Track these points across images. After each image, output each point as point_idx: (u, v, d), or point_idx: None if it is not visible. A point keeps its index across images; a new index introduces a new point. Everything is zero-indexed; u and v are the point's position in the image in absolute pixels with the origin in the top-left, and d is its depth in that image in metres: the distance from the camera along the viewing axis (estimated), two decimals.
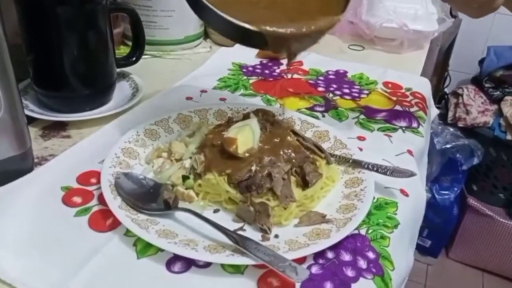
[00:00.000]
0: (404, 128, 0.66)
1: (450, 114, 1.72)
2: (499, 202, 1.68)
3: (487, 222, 1.67)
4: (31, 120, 0.61)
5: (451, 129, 1.67)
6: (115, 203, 0.44)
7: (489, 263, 1.72)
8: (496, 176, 1.66)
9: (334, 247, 0.43)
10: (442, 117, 1.72)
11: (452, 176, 1.68)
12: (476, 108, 1.65)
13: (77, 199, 0.48)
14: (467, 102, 1.67)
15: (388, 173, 0.51)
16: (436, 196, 1.65)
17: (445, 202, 1.67)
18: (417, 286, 1.67)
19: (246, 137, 0.50)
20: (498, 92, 1.64)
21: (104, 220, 0.45)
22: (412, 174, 0.51)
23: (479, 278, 1.73)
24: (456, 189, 1.67)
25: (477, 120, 1.64)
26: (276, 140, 0.51)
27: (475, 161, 1.63)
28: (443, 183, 1.68)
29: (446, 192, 1.67)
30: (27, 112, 0.60)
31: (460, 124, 1.67)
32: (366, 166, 0.52)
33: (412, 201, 0.53)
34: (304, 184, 0.49)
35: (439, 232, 1.71)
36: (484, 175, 1.68)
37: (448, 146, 1.64)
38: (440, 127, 1.66)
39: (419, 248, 1.70)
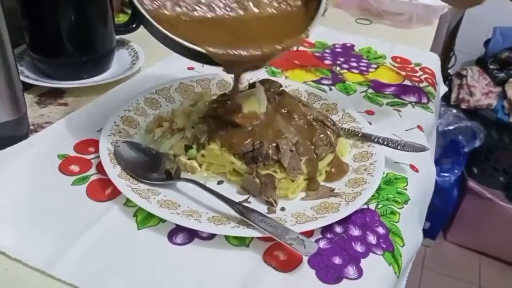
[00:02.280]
0: (413, 103, 0.64)
1: (453, 95, 1.69)
2: (499, 185, 1.67)
3: (487, 205, 1.66)
4: (27, 87, 0.59)
5: (454, 111, 1.65)
6: (114, 172, 0.43)
7: (487, 246, 1.72)
8: (497, 159, 1.65)
9: (343, 222, 0.41)
10: (445, 98, 1.70)
11: (453, 158, 1.66)
12: (480, 90, 1.62)
13: (74, 168, 0.46)
14: (471, 84, 1.64)
15: (399, 147, 0.49)
16: (436, 178, 1.63)
17: (445, 184, 1.65)
18: (415, 268, 1.67)
19: (252, 107, 0.47)
20: (502, 74, 1.61)
21: (103, 190, 0.43)
22: (424, 149, 0.49)
23: (476, 261, 1.73)
24: (456, 171, 1.66)
25: (481, 102, 1.61)
26: (283, 110, 0.49)
27: (477, 143, 1.61)
28: (443, 165, 1.66)
29: (447, 174, 1.66)
30: (22, 78, 0.57)
31: (463, 106, 1.65)
32: (376, 140, 0.50)
33: (422, 176, 0.51)
34: None
35: (438, 214, 1.70)
36: (485, 157, 1.67)
37: (450, 127, 1.62)
38: (442, 108, 1.64)
39: None
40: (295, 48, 0.77)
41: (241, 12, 0.45)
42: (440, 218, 1.72)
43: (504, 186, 1.66)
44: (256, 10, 0.45)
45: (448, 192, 1.66)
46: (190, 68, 0.67)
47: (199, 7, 0.43)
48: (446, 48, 1.54)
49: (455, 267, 1.70)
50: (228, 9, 0.44)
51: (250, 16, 0.45)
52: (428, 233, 1.75)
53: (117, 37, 0.67)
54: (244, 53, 0.41)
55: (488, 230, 1.69)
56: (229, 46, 0.41)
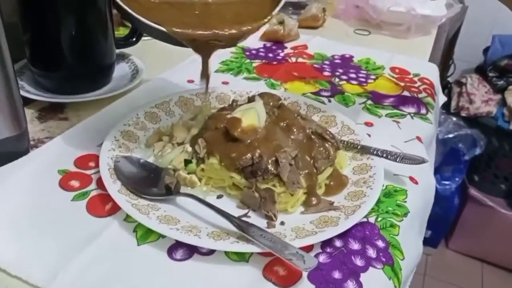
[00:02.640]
0: (412, 114, 0.64)
1: (453, 103, 1.70)
2: (500, 192, 1.67)
3: (488, 212, 1.65)
4: (27, 102, 0.59)
5: (454, 119, 1.65)
6: (114, 187, 0.43)
7: (489, 254, 1.71)
8: (497, 166, 1.65)
9: (343, 235, 0.41)
10: (445, 106, 1.70)
11: (454, 166, 1.66)
12: (480, 98, 1.63)
13: (74, 183, 0.46)
14: (471, 91, 1.65)
15: (398, 160, 0.49)
16: (437, 186, 1.64)
17: (446, 192, 1.65)
18: (417, 277, 1.67)
19: (251, 120, 0.48)
20: (502, 82, 1.61)
21: (103, 205, 0.44)
22: (423, 161, 0.50)
23: (478, 268, 1.72)
24: (457, 179, 1.66)
25: (480, 109, 1.62)
26: (282, 124, 0.49)
27: (478, 151, 1.61)
28: (444, 173, 1.66)
29: (448, 182, 1.66)
30: (23, 93, 0.58)
31: (463, 114, 1.65)
32: (375, 152, 0.50)
33: (421, 189, 0.51)
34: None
35: (439, 222, 1.69)
36: (486, 165, 1.67)
37: (450, 135, 1.63)
38: (442, 116, 1.64)
39: None
40: (294, 60, 0.78)
41: None
42: (441, 226, 1.72)
43: (505, 193, 1.66)
44: None
45: (449, 200, 1.66)
46: (190, 81, 0.68)
47: None
48: (445, 56, 1.54)
49: (457, 275, 1.70)
50: None
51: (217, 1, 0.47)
52: (430, 241, 1.75)
53: (117, 50, 0.67)
54: (206, 32, 0.43)
55: (490, 237, 1.68)
56: (193, 27, 0.43)
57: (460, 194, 1.69)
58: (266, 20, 0.46)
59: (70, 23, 0.59)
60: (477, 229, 1.70)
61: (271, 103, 0.53)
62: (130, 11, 0.41)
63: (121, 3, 0.41)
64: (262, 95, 0.54)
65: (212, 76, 0.69)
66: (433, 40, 0.93)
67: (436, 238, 1.75)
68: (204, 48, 0.45)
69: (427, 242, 1.71)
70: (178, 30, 0.42)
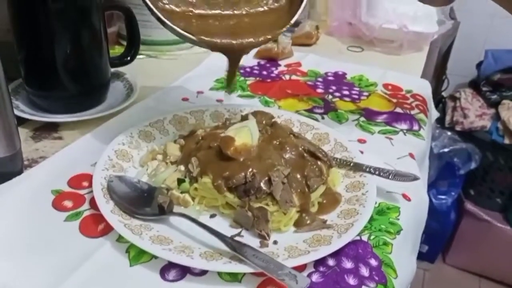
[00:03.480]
0: (405, 131, 0.64)
1: (448, 117, 1.71)
2: (496, 206, 1.67)
3: (485, 227, 1.65)
4: (22, 121, 0.59)
5: (449, 133, 1.66)
6: (107, 208, 0.43)
7: (487, 269, 1.71)
8: (493, 180, 1.65)
9: (335, 254, 0.41)
10: (440, 121, 1.71)
11: (450, 181, 1.67)
12: (474, 112, 1.64)
13: (68, 203, 0.46)
14: (465, 106, 1.66)
15: (390, 177, 0.50)
16: (433, 200, 1.64)
17: (442, 206, 1.65)
18: None
19: (244, 139, 0.48)
20: (495, 96, 1.63)
21: (95, 225, 0.43)
22: (415, 178, 0.50)
23: (476, 283, 1.72)
24: (453, 193, 1.66)
25: (475, 124, 1.63)
26: (275, 142, 0.49)
27: (473, 165, 1.62)
28: (440, 187, 1.66)
29: (444, 196, 1.66)
30: (18, 113, 0.58)
31: (458, 128, 1.66)
32: (367, 169, 0.51)
33: (414, 206, 0.51)
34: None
35: (436, 237, 1.69)
36: (481, 179, 1.67)
37: (445, 150, 1.63)
38: (437, 131, 1.65)
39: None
40: (287, 77, 0.79)
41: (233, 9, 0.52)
42: (438, 241, 1.71)
43: (501, 207, 1.66)
44: (246, 7, 0.53)
45: (446, 214, 1.66)
46: (184, 99, 0.68)
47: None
48: (438, 71, 1.56)
49: None
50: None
51: (240, 11, 0.53)
52: (427, 257, 1.74)
53: (112, 69, 0.68)
54: (230, 41, 0.48)
55: (487, 252, 1.68)
56: (220, 36, 0.48)
57: (457, 208, 1.69)
58: (285, 28, 0.50)
59: (65, 42, 0.59)
60: (474, 243, 1.69)
61: (264, 122, 0.53)
62: (167, 21, 0.46)
63: (157, 13, 0.45)
64: (255, 113, 0.55)
65: (206, 94, 0.71)
66: (426, 56, 0.94)
67: (433, 253, 1.75)
68: (231, 55, 0.50)
69: (424, 257, 1.72)
70: (206, 38, 0.47)
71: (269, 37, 0.49)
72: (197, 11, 0.51)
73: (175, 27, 0.46)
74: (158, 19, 0.46)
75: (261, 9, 0.53)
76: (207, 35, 0.47)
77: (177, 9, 0.50)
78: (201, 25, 0.50)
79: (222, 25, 0.51)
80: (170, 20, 0.46)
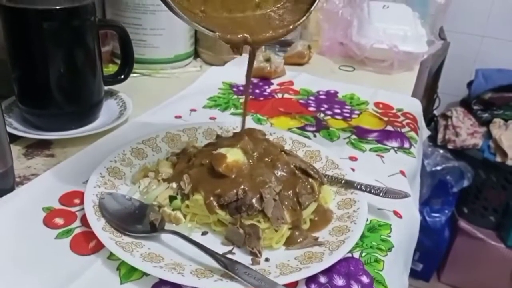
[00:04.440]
0: (396, 149, 0.65)
1: (440, 136, 1.73)
2: (490, 224, 1.67)
3: (478, 245, 1.66)
4: (14, 138, 0.59)
5: (441, 151, 1.67)
6: (98, 225, 0.43)
7: (481, 287, 1.70)
8: (486, 198, 1.66)
9: (327, 271, 0.41)
10: (432, 139, 1.73)
11: (443, 199, 1.67)
12: (465, 130, 1.66)
13: (59, 221, 0.46)
14: (456, 124, 1.68)
15: (381, 194, 0.50)
16: (427, 218, 1.64)
17: (436, 224, 1.66)
18: None
19: (236, 156, 0.48)
20: (487, 114, 1.65)
21: (86, 243, 0.43)
22: (405, 195, 0.50)
23: None
24: (447, 211, 1.66)
25: (467, 142, 1.64)
26: (267, 159, 0.50)
27: (465, 183, 1.63)
28: (433, 205, 1.67)
29: (437, 214, 1.66)
30: (11, 130, 0.58)
31: (450, 146, 1.68)
32: (358, 187, 0.51)
33: (406, 223, 0.52)
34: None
35: (430, 256, 1.69)
36: (475, 197, 1.68)
37: (438, 168, 1.64)
38: (430, 149, 1.67)
39: (411, 272, 1.67)
40: (280, 96, 0.80)
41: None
42: (433, 259, 1.71)
43: (494, 225, 1.66)
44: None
45: (440, 232, 1.66)
46: (177, 117, 0.69)
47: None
48: (429, 90, 1.58)
49: None
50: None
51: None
52: (422, 275, 1.74)
53: (106, 87, 0.69)
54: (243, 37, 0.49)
55: (481, 270, 1.68)
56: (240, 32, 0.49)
57: (450, 226, 1.70)
58: (299, 23, 0.51)
59: (59, 61, 0.60)
60: (468, 261, 1.69)
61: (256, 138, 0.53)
62: (187, 20, 0.45)
63: (179, 12, 0.44)
64: (247, 130, 0.55)
65: (199, 112, 0.71)
66: (416, 75, 0.96)
67: (428, 271, 1.74)
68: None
69: (419, 275, 1.72)
70: (229, 36, 0.48)
71: (284, 30, 0.51)
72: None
73: (195, 24, 0.46)
74: (177, 15, 0.45)
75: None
76: (225, 31, 0.48)
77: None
78: (219, 19, 0.50)
79: (240, 22, 0.52)
80: (189, 17, 0.46)
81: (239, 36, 0.48)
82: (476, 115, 1.67)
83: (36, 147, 0.59)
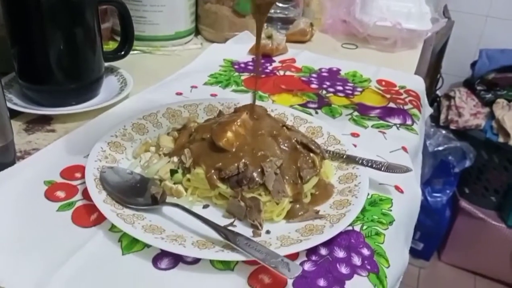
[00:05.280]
0: (398, 125, 0.65)
1: (442, 116, 1.72)
2: (491, 205, 1.68)
3: (479, 225, 1.66)
4: (15, 114, 0.59)
5: (443, 132, 1.67)
6: (99, 198, 0.43)
7: (481, 266, 1.71)
8: (487, 179, 1.66)
9: (328, 244, 0.42)
10: (434, 119, 1.72)
11: (444, 179, 1.67)
12: (468, 111, 1.65)
13: (60, 194, 0.46)
14: (459, 105, 1.67)
15: (382, 169, 0.50)
16: (428, 198, 1.65)
17: (437, 204, 1.66)
18: None
19: (237, 131, 0.48)
20: (490, 95, 1.64)
21: (88, 215, 0.43)
22: (407, 170, 0.50)
23: (471, 281, 1.72)
24: (448, 191, 1.67)
25: (469, 122, 1.64)
26: (268, 134, 0.49)
27: (467, 163, 1.63)
28: (435, 185, 1.67)
29: (438, 194, 1.67)
30: (11, 106, 0.58)
31: (452, 127, 1.67)
32: (360, 161, 0.51)
33: (407, 198, 0.52)
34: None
35: (431, 235, 1.70)
36: (476, 177, 1.68)
37: (440, 148, 1.64)
38: (432, 130, 1.66)
39: (411, 251, 1.69)
40: (282, 73, 0.79)
41: None
42: (433, 239, 1.72)
43: (496, 206, 1.67)
44: None
45: (441, 212, 1.67)
46: (178, 94, 0.68)
47: None
48: (433, 70, 1.57)
49: None
50: None
51: None
52: (422, 254, 1.75)
53: (106, 64, 0.68)
54: None
55: (482, 250, 1.69)
56: None
57: (451, 206, 1.70)
58: None
59: (58, 37, 0.59)
60: (469, 241, 1.70)
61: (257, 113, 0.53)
62: None
63: None
64: (248, 106, 0.55)
65: (200, 89, 0.71)
66: (419, 53, 0.95)
67: (428, 251, 1.75)
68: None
69: (419, 255, 1.73)
70: None
71: None
72: None
73: None
74: None
75: None
76: None
77: None
78: None
79: None
80: None
81: None
82: (479, 95, 1.66)
83: (36, 123, 0.59)
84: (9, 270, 0.38)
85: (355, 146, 0.56)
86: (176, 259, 0.39)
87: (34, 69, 0.61)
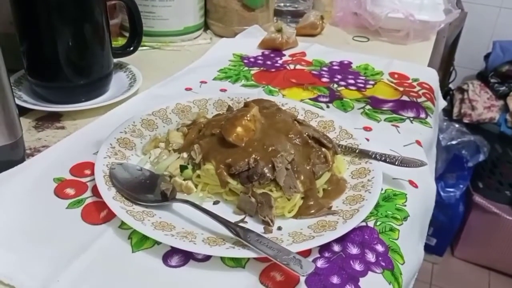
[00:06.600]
0: (411, 119, 0.63)
1: (456, 110, 1.69)
2: (505, 199, 1.65)
3: (493, 219, 1.64)
4: (25, 111, 0.59)
5: (457, 125, 1.65)
6: (109, 194, 0.42)
7: (496, 262, 1.69)
8: (502, 173, 1.63)
9: (341, 240, 0.41)
10: (447, 113, 1.70)
11: (458, 173, 1.65)
12: (482, 104, 1.62)
13: (70, 191, 0.46)
14: (473, 98, 1.64)
15: (396, 163, 0.49)
16: (442, 193, 1.63)
17: (450, 199, 1.64)
18: (423, 286, 1.65)
19: (247, 126, 0.47)
20: (504, 88, 1.61)
21: (97, 212, 0.43)
22: (422, 164, 0.49)
23: (485, 276, 1.70)
24: (461, 186, 1.64)
25: (483, 116, 1.61)
26: (279, 128, 0.48)
27: (481, 157, 1.60)
28: (448, 180, 1.65)
29: (452, 189, 1.64)
30: (20, 103, 0.58)
31: (466, 120, 1.64)
32: (373, 156, 0.50)
33: (421, 192, 0.50)
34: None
35: (444, 230, 1.68)
36: (490, 171, 1.65)
37: (453, 142, 1.62)
38: (445, 123, 1.64)
39: (425, 247, 1.67)
40: (292, 67, 0.78)
41: None
42: (446, 234, 1.70)
43: (510, 200, 1.64)
44: None
45: (454, 207, 1.65)
46: (187, 89, 0.68)
47: None
48: (446, 63, 1.54)
49: (464, 284, 1.67)
50: None
51: None
52: (435, 250, 1.73)
53: (115, 60, 0.68)
54: None
55: (496, 245, 1.66)
56: None
57: (465, 201, 1.68)
58: None
59: (67, 33, 0.59)
60: (483, 236, 1.68)
61: (267, 108, 0.52)
62: None
63: None
64: (257, 101, 0.54)
65: (210, 84, 0.70)
66: (432, 45, 0.93)
67: (441, 246, 1.73)
68: None
69: (432, 250, 1.71)
70: None
71: None
72: None
73: None
74: None
75: None
76: None
77: None
78: None
79: None
80: None
81: None
82: (493, 88, 1.63)
83: (46, 120, 0.59)
84: (18, 267, 0.37)
85: (367, 140, 0.55)
86: (187, 256, 0.39)
87: (43, 66, 0.61)
